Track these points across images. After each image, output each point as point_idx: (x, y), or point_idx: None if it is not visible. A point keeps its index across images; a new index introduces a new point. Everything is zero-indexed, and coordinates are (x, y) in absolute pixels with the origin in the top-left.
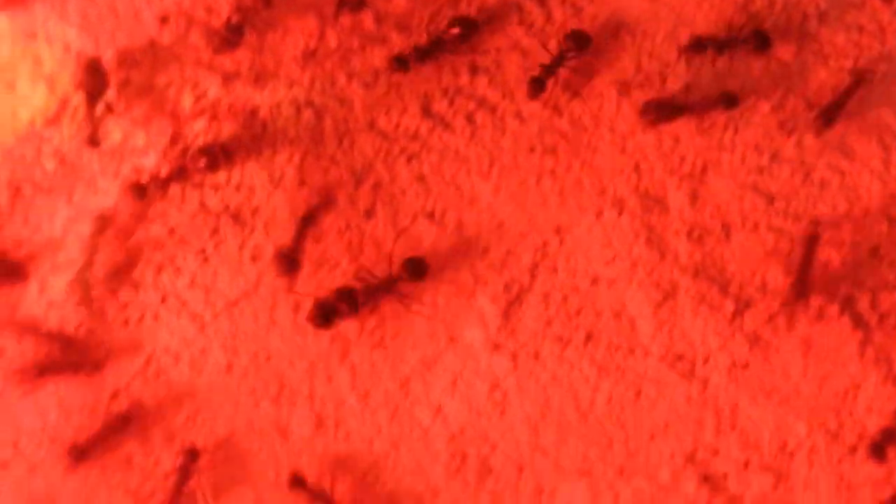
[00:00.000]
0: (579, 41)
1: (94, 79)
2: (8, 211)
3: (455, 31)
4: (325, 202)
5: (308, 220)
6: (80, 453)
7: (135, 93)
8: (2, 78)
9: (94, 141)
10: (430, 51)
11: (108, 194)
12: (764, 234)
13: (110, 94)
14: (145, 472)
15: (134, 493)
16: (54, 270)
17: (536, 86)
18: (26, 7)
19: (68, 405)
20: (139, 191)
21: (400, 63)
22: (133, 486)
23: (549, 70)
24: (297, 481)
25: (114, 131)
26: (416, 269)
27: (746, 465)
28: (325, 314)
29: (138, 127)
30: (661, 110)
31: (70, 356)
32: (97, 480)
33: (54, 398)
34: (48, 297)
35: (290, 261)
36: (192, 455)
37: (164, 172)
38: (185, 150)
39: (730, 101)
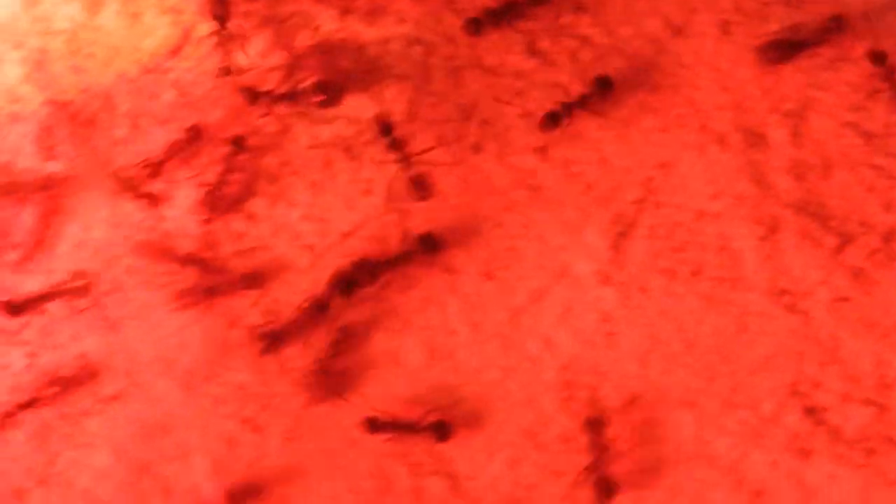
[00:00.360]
0: (604, 85)
1: (220, 9)
2: (125, 141)
3: None
4: None
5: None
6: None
7: (255, 24)
8: (127, 9)
9: (226, 70)
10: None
11: (223, 124)
12: (863, 171)
13: (232, 25)
14: (260, 401)
15: (250, 420)
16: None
17: (550, 120)
18: None
19: (184, 335)
20: (251, 96)
21: (475, 25)
22: (249, 415)
23: (568, 109)
24: (373, 425)
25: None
26: None
27: (847, 397)
28: None
29: (257, 59)
30: (781, 49)
31: (203, 281)
32: (211, 409)
33: (170, 328)
34: (167, 226)
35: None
36: None
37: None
38: (299, 83)
39: (839, 26)
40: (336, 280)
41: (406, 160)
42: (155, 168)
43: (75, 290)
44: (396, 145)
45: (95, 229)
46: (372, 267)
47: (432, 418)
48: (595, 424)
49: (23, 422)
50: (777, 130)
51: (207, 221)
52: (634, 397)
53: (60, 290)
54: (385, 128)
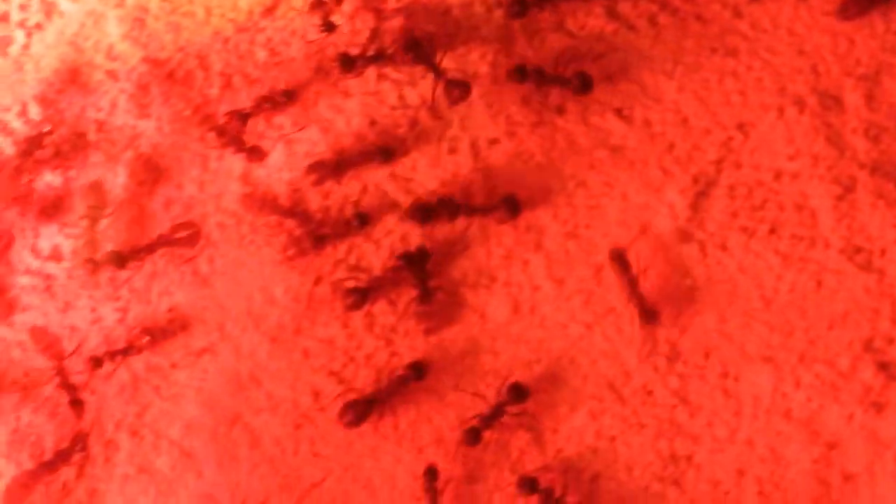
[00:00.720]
0: (518, 394)
1: None
2: (217, 100)
3: None
4: None
5: None
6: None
7: None
8: None
9: (329, 26)
10: None
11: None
12: None
13: None
14: (348, 354)
15: (337, 374)
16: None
17: (471, 436)
18: None
19: (272, 291)
20: (346, 63)
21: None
22: (336, 368)
23: (486, 422)
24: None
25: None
26: None
27: None
28: None
29: (345, 20)
30: (859, 3)
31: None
32: (301, 362)
33: (259, 283)
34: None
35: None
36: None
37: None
38: (384, 45)
39: None
40: (416, 208)
41: (436, 71)
42: (242, 120)
43: (179, 241)
44: (424, 58)
45: (187, 186)
46: (453, 206)
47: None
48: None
49: (113, 374)
50: (852, 94)
51: (318, 182)
52: (712, 351)
53: (165, 241)
54: (411, 43)
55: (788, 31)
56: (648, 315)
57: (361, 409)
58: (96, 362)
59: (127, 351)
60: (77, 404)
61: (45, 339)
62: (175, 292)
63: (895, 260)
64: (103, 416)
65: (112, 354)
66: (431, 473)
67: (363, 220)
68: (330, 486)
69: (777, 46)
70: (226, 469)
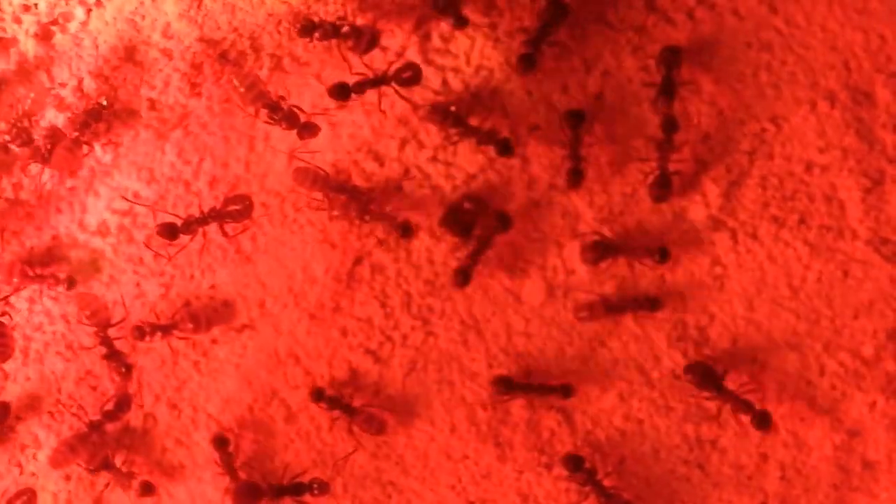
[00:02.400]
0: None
1: None
2: (266, 79)
3: None
4: None
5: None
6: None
7: None
8: None
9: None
10: None
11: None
12: None
13: None
14: (384, 334)
15: (373, 352)
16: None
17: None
18: None
19: (312, 269)
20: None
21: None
22: (373, 347)
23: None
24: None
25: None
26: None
27: None
28: None
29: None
30: None
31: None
32: (338, 340)
33: (300, 261)
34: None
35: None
36: None
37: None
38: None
39: None
40: (450, 215)
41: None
42: (276, 103)
43: (231, 213)
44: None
45: (233, 166)
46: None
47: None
48: None
49: (154, 348)
50: (883, 89)
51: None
52: (740, 337)
53: (217, 214)
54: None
55: (821, 28)
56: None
57: None
58: (140, 332)
59: (167, 328)
60: (126, 369)
61: (92, 305)
62: (217, 269)
63: None
64: (143, 389)
65: (153, 328)
66: (221, 441)
67: (406, 231)
68: (362, 461)
69: (810, 42)
70: (261, 444)
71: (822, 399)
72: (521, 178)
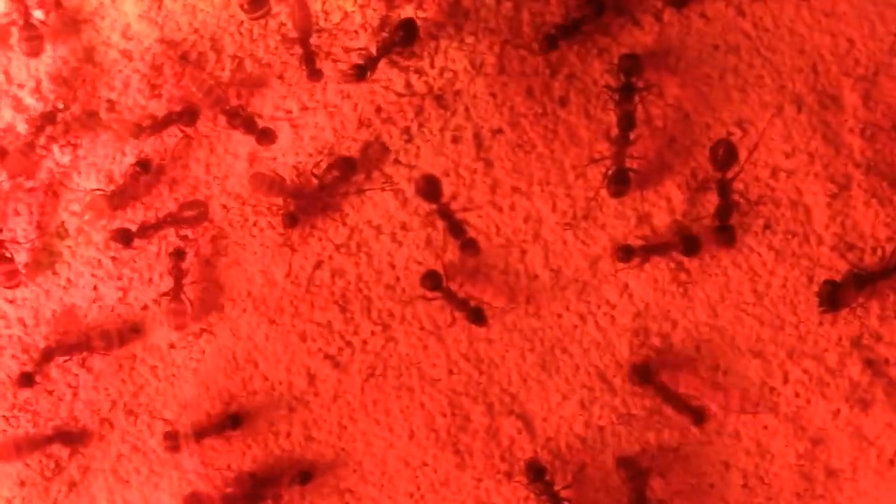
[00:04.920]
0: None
1: None
2: (228, 80)
3: None
4: None
5: None
6: None
7: None
8: None
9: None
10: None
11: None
12: None
13: None
14: (344, 339)
15: (333, 357)
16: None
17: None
18: None
19: (272, 274)
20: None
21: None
22: (332, 352)
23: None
24: None
25: (333, 13)
26: None
27: None
28: None
29: (356, 8)
30: None
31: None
32: (297, 345)
33: (259, 266)
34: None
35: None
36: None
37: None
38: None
39: None
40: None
41: None
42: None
43: (187, 218)
44: None
45: (193, 168)
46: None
47: None
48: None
49: (110, 353)
50: (850, 93)
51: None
52: (703, 344)
53: (173, 219)
54: None
55: (790, 31)
56: None
57: None
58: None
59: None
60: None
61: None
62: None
63: (886, 257)
64: (98, 396)
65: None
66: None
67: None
68: (320, 469)
69: (778, 45)
70: (218, 450)
71: (786, 406)
72: (485, 181)
